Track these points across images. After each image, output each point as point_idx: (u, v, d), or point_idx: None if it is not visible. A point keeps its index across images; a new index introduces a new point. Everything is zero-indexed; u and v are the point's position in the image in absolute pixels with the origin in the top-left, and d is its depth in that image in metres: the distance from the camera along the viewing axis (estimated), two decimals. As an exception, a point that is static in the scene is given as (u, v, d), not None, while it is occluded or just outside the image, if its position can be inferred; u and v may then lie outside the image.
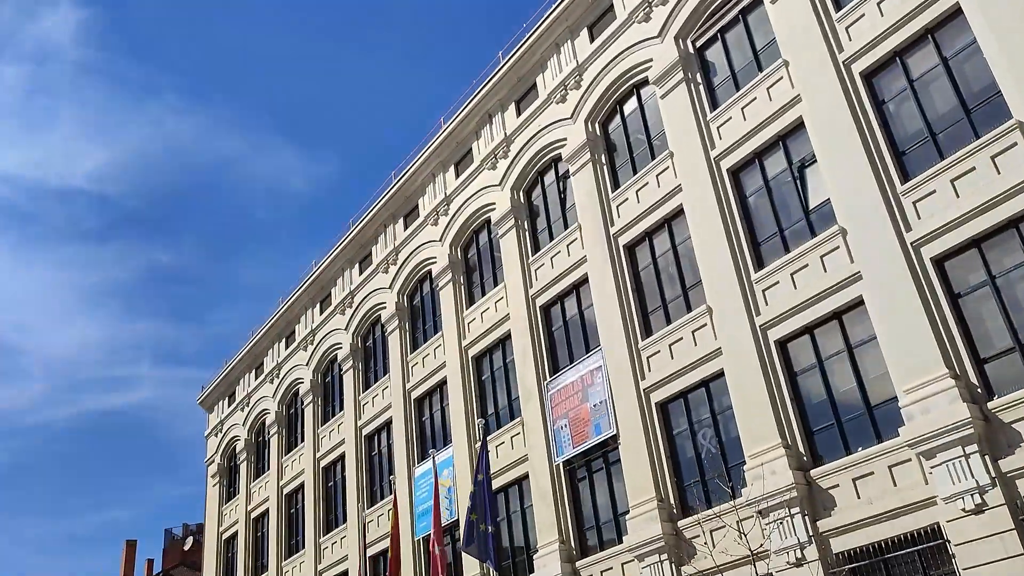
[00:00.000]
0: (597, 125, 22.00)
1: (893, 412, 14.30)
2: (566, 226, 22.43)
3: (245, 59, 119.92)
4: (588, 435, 19.81)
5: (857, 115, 15.75)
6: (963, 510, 12.89)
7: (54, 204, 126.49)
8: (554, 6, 23.17)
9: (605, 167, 21.45)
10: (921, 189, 14.63)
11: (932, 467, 13.39)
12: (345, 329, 31.19)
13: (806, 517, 14.90)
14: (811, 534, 14.76)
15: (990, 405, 13.10)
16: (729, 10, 18.88)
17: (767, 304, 16.69)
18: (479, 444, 19.08)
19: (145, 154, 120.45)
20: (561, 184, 23.14)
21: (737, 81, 18.44)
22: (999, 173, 13.60)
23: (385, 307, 29.13)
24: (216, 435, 40.15)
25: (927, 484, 13.55)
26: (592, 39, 22.45)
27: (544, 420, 21.17)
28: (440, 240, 26.83)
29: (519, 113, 24.66)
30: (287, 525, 32.96)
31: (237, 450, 37.93)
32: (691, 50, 19.60)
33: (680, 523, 17.21)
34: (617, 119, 21.71)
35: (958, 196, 14.08)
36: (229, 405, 39.61)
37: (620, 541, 18.45)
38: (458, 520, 22.40)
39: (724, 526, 15.78)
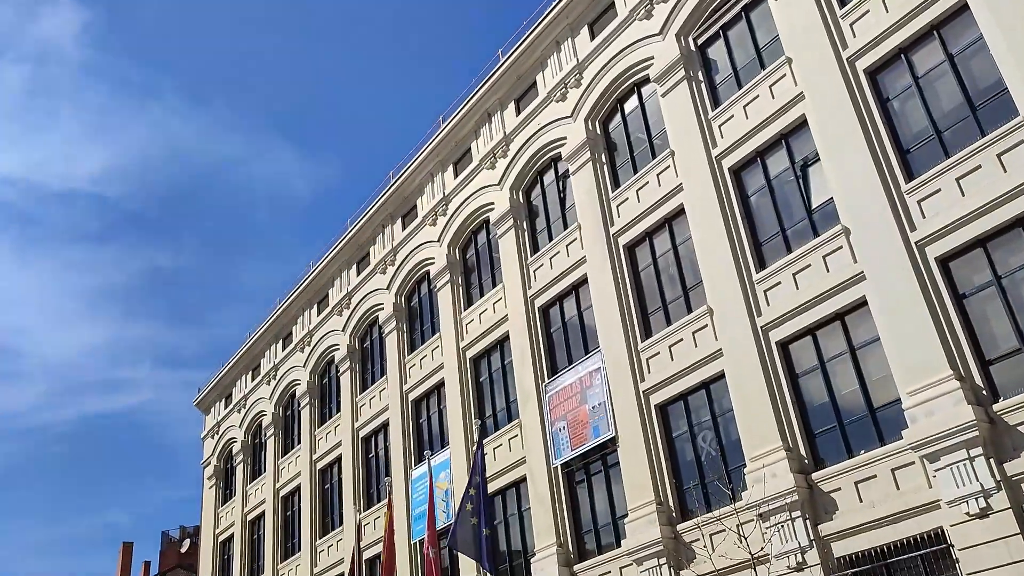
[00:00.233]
0: (597, 124, 21.79)
1: (896, 414, 14.05)
2: (565, 226, 22.20)
3: (246, 61, 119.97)
4: (587, 437, 19.55)
5: (861, 113, 15.53)
6: (967, 514, 12.63)
7: (54, 206, 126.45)
8: (555, 3, 22.98)
9: (605, 166, 21.24)
10: (926, 188, 14.40)
11: (936, 470, 13.14)
12: (342, 330, 30.96)
13: (807, 521, 14.64)
14: (812, 538, 14.50)
15: (995, 407, 12.85)
16: (731, 7, 18.68)
17: (768, 305, 16.45)
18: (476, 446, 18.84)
19: (146, 156, 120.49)
20: (561, 184, 22.92)
21: (739, 79, 18.23)
22: (1005, 171, 13.38)
23: (383, 308, 28.90)
24: (212, 437, 39.89)
25: (931, 487, 13.29)
26: (593, 36, 22.25)
27: (542, 422, 20.91)
28: (438, 240, 26.61)
29: (519, 112, 24.46)
30: (283, 528, 32.68)
31: (233, 452, 37.67)
32: (693, 47, 19.39)
33: (679, 527, 16.95)
34: (618, 117, 21.50)
35: (963, 195, 13.85)
36: (226, 407, 39.36)
37: (618, 545, 18.19)
38: (455, 522, 22.11)
39: (724, 530, 15.52)
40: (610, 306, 19.72)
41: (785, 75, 17.06)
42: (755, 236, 17.20)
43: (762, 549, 14.48)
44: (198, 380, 41.26)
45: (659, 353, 18.47)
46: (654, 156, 19.94)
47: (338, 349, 31.11)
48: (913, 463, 13.62)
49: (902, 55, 15.32)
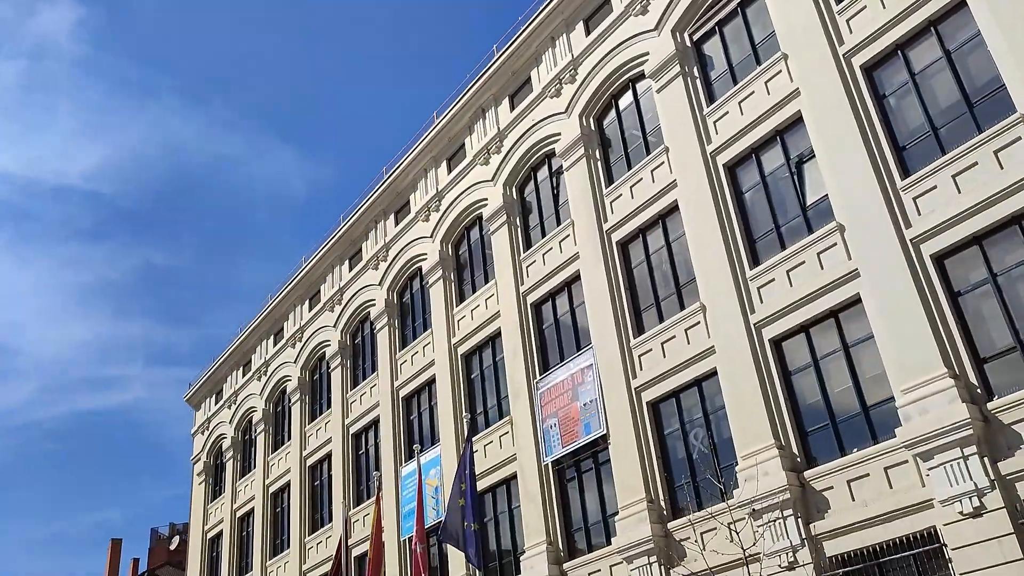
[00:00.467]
0: (592, 120, 21.64)
1: (890, 413, 13.93)
2: (559, 222, 22.05)
3: (245, 61, 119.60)
4: (578, 434, 19.40)
5: (857, 109, 15.42)
6: (961, 513, 12.51)
7: (49, 202, 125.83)
8: (550, -1, 22.83)
9: (599, 162, 21.09)
10: (922, 185, 14.29)
11: (929, 469, 13.02)
12: (334, 326, 30.75)
13: (799, 519, 14.51)
14: (804, 537, 14.36)
15: (990, 406, 12.73)
16: (728, 3, 18.55)
17: (762, 302, 16.32)
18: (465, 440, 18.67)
19: (142, 154, 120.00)
20: (554, 180, 22.77)
21: (735, 75, 18.10)
22: (1002, 168, 13.27)
23: (374, 304, 28.71)
24: (203, 433, 39.63)
25: (924, 486, 13.17)
26: (588, 32, 22.10)
27: (533, 419, 20.75)
28: (431, 236, 26.43)
29: (513, 107, 24.29)
30: (272, 524, 32.45)
31: (223, 448, 37.41)
32: (688, 43, 19.26)
33: (670, 525, 16.80)
34: (612, 114, 21.36)
35: (959, 192, 13.74)
36: (216, 403, 39.10)
37: (608, 543, 18.04)
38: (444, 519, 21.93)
39: (715, 528, 15.40)
40: (603, 302, 19.57)
41: (781, 71, 16.94)
42: (749, 233, 17.07)
43: (754, 544, 14.33)
44: (191, 378, 40.98)
45: (651, 350, 18.33)
46: (648, 152, 19.81)
47: (329, 345, 30.91)
48: (906, 462, 13.50)
49: (899, 51, 15.21)
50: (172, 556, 54.07)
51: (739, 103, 17.62)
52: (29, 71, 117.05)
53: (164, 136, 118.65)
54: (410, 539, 23.55)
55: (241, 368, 37.48)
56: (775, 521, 14.71)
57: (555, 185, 22.70)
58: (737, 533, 14.15)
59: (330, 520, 28.56)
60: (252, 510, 33.84)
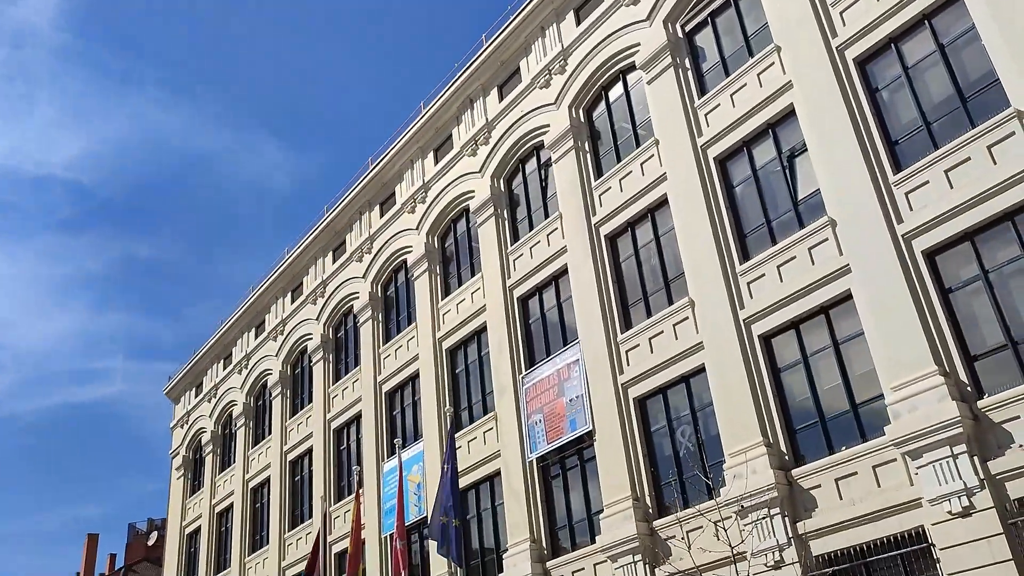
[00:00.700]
0: (581, 111, 21.36)
1: (879, 411, 13.75)
2: (547, 215, 21.76)
3: (230, 53, 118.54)
4: (563, 430, 19.12)
5: (850, 103, 15.22)
6: (949, 512, 12.33)
7: (29, 192, 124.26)
8: (541, -12, 22.51)
9: (588, 155, 20.82)
10: (914, 180, 14.10)
11: (918, 467, 12.84)
12: (316, 319, 30.33)
13: (786, 518, 14.30)
14: (791, 536, 14.16)
15: (980, 404, 12.56)
16: (720, -5, 18.31)
17: (752, 297, 16.10)
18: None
19: (124, 145, 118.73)
20: (543, 172, 22.47)
21: (727, 67, 17.87)
22: (995, 163, 13.09)
23: (358, 297, 28.31)
24: (182, 427, 39.06)
25: (912, 485, 12.98)
26: (578, 22, 21.81)
27: (518, 415, 20.46)
28: (416, 228, 26.07)
29: (501, 98, 23.97)
30: (252, 520, 31.98)
31: (203, 442, 36.88)
32: (680, 35, 19.01)
33: (656, 523, 16.56)
34: (602, 105, 21.08)
35: (952, 187, 13.56)
36: (196, 396, 38.55)
37: (593, 541, 17.77)
38: (427, 517, 21.62)
39: (701, 526, 15.16)
40: (590, 297, 19.31)
41: (773, 63, 16.72)
42: (739, 227, 16.85)
43: (741, 543, 14.09)
44: (173, 372, 40.35)
45: (639, 345, 18.08)
46: (638, 145, 19.55)
47: (311, 338, 30.48)
48: (895, 460, 13.32)
49: (892, 45, 15.02)
50: (150, 552, 53.46)
51: (731, 95, 17.39)
52: (8, 59, 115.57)
53: (147, 128, 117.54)
54: (391, 536, 23.24)
55: (222, 361, 36.96)
56: (762, 520, 14.49)
57: (543, 177, 22.41)
58: (726, 531, 13.92)
59: (310, 516, 28.14)
60: (231, 505, 33.35)
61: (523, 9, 22.86)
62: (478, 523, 21.50)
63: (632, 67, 20.14)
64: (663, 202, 18.46)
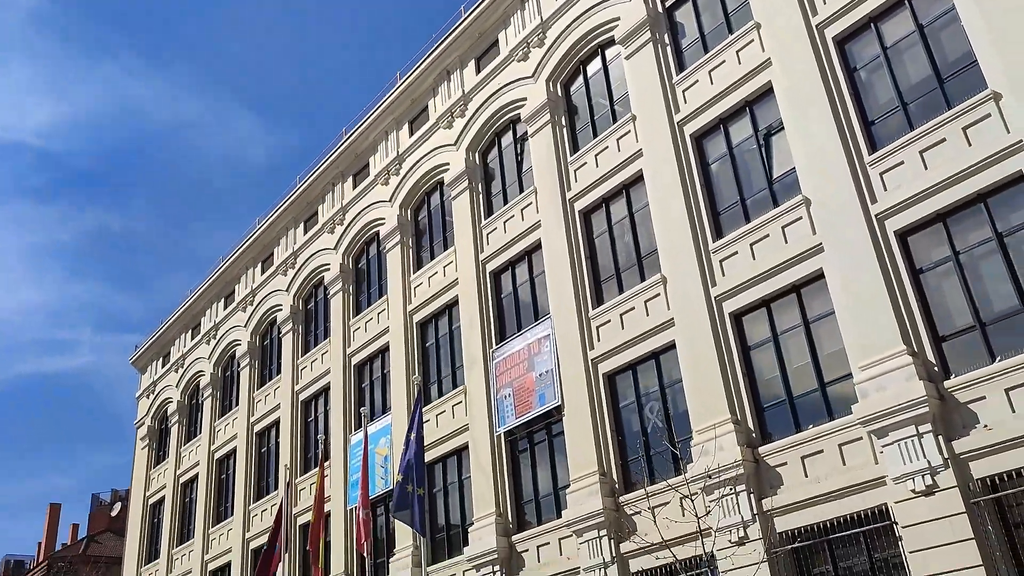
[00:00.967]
0: (559, 85, 21.12)
1: (847, 390, 13.79)
2: (521, 190, 21.55)
3: (205, 24, 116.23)
4: (532, 405, 19.04)
5: (827, 82, 15.14)
6: (913, 491, 12.42)
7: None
8: (521, -41, 22.15)
9: (565, 129, 20.60)
10: (889, 160, 14.08)
11: (884, 446, 12.90)
12: (286, 290, 29.93)
13: (751, 495, 14.35)
14: (755, 512, 14.20)
15: (947, 384, 12.63)
16: (702, -31, 18.10)
17: (724, 275, 16.05)
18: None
19: (97, 113, 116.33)
20: (519, 146, 22.23)
21: (706, 43, 17.71)
22: (970, 145, 13.10)
23: (329, 268, 27.95)
24: (148, 397, 38.53)
25: (877, 464, 13.06)
26: (559, -6, 21.50)
27: (487, 389, 20.34)
28: (390, 201, 25.73)
29: (479, 70, 23.63)
30: (216, 491, 31.67)
31: (169, 412, 36.40)
32: (660, 9, 18.80)
33: (622, 498, 16.56)
34: (580, 80, 20.85)
35: (926, 168, 13.55)
36: (163, 366, 38.01)
37: (559, 516, 17.76)
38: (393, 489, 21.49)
39: (667, 502, 15.17)
40: (562, 272, 19.17)
41: (753, 40, 16.59)
42: (714, 205, 16.77)
43: (706, 516, 14.10)
44: (141, 343, 39.71)
45: (610, 321, 18.00)
46: (615, 120, 19.37)
47: (281, 309, 30.10)
48: (860, 439, 13.38)
49: (872, 24, 14.94)
50: (113, 523, 52.91)
51: (709, 72, 17.25)
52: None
53: (121, 96, 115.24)
54: (357, 508, 23.10)
55: (190, 331, 36.42)
56: (727, 496, 14.52)
57: (519, 151, 22.16)
58: (692, 504, 13.91)
59: (276, 488, 27.89)
60: (196, 476, 32.99)
61: (503, -21, 22.49)
62: (444, 496, 21.42)
63: (611, 42, 19.92)
64: (638, 178, 18.33)
